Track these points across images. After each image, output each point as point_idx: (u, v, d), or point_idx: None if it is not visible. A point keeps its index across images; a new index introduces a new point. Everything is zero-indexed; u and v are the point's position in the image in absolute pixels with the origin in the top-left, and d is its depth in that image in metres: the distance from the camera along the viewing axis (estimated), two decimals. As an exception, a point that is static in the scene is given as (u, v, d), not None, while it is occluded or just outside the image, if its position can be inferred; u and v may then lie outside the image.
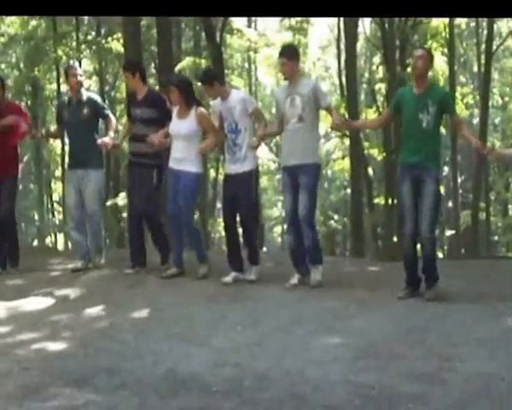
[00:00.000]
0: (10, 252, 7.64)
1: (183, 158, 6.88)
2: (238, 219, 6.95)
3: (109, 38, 20.46)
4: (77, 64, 7.97)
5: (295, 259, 6.70)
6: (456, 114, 6.59)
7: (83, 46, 21.89)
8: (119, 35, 17.18)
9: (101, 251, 7.69)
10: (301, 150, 6.51)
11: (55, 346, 4.96)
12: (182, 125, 6.88)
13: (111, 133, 7.53)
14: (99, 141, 7.35)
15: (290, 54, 6.64)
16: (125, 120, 7.57)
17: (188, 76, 7.97)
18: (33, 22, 21.86)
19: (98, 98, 8.03)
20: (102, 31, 22.29)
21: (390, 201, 18.43)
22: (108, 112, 7.87)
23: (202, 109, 6.96)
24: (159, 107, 7.25)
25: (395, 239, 17.65)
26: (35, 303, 6.26)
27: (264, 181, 35.88)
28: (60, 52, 21.23)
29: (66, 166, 8.23)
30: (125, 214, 20.44)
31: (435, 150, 6.16)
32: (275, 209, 38.74)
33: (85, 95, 7.57)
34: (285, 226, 6.85)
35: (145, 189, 7.18)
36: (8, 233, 7.59)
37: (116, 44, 19.61)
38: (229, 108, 6.81)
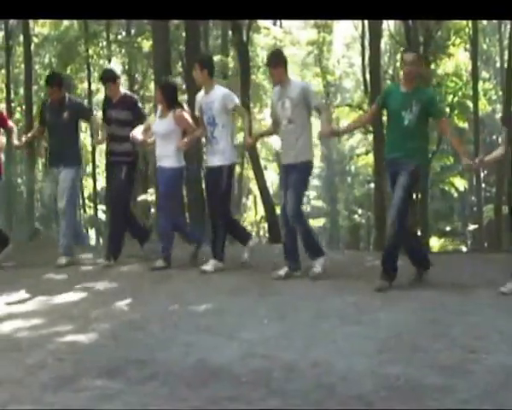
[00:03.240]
0: None
1: (162, 155, 7.38)
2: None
3: (139, 38, 20.65)
4: (60, 78, 8.30)
5: (286, 252, 6.92)
6: (443, 119, 6.62)
7: (113, 45, 22.14)
8: (149, 34, 17.33)
9: (64, 250, 7.84)
10: (292, 151, 6.80)
11: (87, 338, 5.05)
12: (161, 125, 7.38)
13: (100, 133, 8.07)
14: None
15: (276, 61, 6.88)
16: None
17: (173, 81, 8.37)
18: (65, 23, 22.17)
19: (81, 102, 8.71)
20: (132, 30, 22.50)
21: (414, 195, 18.42)
22: (91, 113, 8.43)
23: (180, 111, 7.35)
24: (132, 109, 7.75)
25: (419, 233, 17.66)
26: (67, 297, 6.38)
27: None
28: (91, 51, 21.49)
29: (47, 164, 8.59)
30: (153, 209, 20.65)
31: (413, 147, 6.25)
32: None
33: (68, 99, 8.03)
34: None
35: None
36: None
37: (145, 44, 19.80)
38: (209, 102, 7.15)
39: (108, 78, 7.88)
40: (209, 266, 7.13)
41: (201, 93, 7.37)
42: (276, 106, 6.95)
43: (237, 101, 7.31)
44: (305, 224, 6.92)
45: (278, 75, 6.86)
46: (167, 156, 7.34)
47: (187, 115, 7.40)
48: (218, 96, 7.15)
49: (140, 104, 8.00)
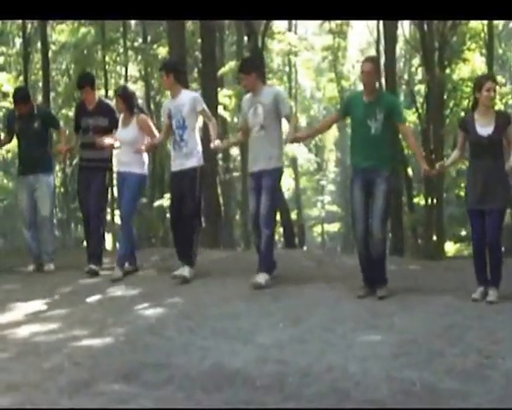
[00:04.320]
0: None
1: (128, 161, 7.39)
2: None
3: (155, 45, 20.80)
4: (25, 92, 8.32)
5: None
6: (404, 123, 6.67)
7: (130, 52, 22.32)
8: (165, 41, 17.46)
9: (51, 256, 7.96)
10: (263, 157, 6.77)
11: (103, 342, 5.09)
12: (125, 133, 7.42)
13: (63, 141, 8.12)
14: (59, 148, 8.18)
15: (247, 68, 6.89)
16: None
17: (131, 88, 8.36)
18: (83, 29, 22.37)
19: (49, 111, 8.73)
20: (149, 37, 22.67)
21: (430, 200, 18.42)
22: (59, 123, 8.44)
23: (143, 116, 7.47)
24: (109, 115, 7.75)
25: (435, 238, 17.66)
26: (83, 301, 6.43)
27: (303, 181, 35.94)
28: (107, 58, 21.67)
29: (17, 172, 8.43)
30: (168, 215, 20.69)
31: (384, 154, 6.31)
32: (314, 209, 38.77)
33: (36, 108, 8.06)
34: (250, 227, 7.07)
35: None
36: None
37: (162, 50, 19.94)
38: (178, 105, 7.15)
39: (88, 82, 7.80)
40: (179, 271, 7.05)
41: (168, 99, 7.47)
42: (247, 113, 6.93)
43: (204, 105, 7.31)
44: (272, 230, 6.85)
45: (250, 82, 6.84)
46: (133, 163, 7.39)
47: (148, 120, 7.54)
48: (187, 98, 7.18)
49: (116, 111, 7.88)
